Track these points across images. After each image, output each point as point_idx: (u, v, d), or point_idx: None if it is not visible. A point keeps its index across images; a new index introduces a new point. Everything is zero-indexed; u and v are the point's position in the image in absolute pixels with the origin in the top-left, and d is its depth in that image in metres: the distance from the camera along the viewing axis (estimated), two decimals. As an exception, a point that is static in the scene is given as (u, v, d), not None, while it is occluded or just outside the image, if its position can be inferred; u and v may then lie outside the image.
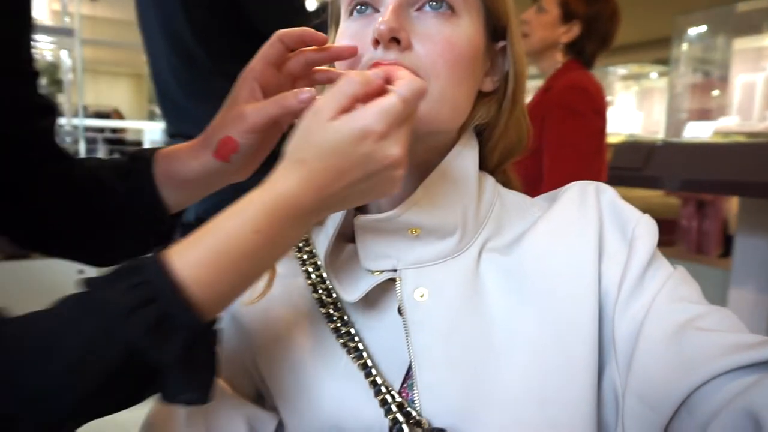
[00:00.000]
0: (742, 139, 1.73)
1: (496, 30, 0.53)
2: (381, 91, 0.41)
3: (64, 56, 3.79)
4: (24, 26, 0.57)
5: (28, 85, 0.58)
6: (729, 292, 1.75)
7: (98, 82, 10.51)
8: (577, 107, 1.49)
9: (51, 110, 0.61)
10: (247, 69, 0.53)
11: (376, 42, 0.47)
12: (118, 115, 7.93)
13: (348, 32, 0.51)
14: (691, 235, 3.10)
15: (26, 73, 0.58)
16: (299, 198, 0.39)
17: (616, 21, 1.58)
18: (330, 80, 0.52)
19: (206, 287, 0.38)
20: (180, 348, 0.36)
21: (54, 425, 0.35)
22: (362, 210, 0.55)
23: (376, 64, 0.47)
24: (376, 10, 0.50)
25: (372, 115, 0.39)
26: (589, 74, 1.58)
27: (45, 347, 0.34)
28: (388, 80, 0.42)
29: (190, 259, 0.38)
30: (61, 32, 3.27)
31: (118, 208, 0.60)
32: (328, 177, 0.39)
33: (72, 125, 3.65)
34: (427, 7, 0.49)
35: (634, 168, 1.83)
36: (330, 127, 0.39)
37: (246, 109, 0.51)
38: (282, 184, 0.40)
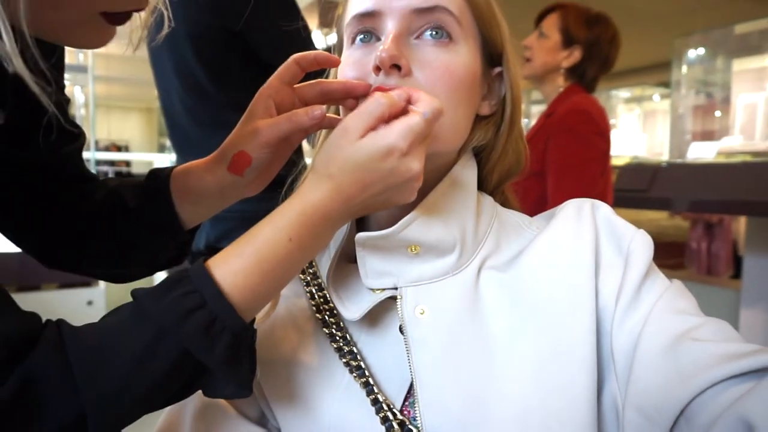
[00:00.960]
0: (746, 158, 1.74)
1: (492, 56, 0.56)
2: (403, 111, 0.45)
3: (77, 92, 3.89)
4: (63, 53, 0.61)
5: (60, 112, 0.61)
6: (740, 312, 1.74)
7: (110, 116, 10.71)
8: (580, 130, 1.50)
9: (78, 135, 0.65)
10: (263, 87, 0.55)
11: (378, 69, 0.49)
12: (115, 147, 8.16)
13: (351, 59, 0.53)
14: (700, 258, 3.08)
15: (59, 100, 0.62)
16: (328, 208, 0.44)
17: (617, 44, 1.60)
18: (332, 125, 0.55)
19: (247, 292, 0.42)
20: (226, 347, 0.41)
21: (117, 420, 0.40)
22: (362, 227, 0.57)
23: (378, 88, 0.49)
24: (378, 39, 0.52)
25: (397, 133, 0.43)
26: (591, 98, 1.60)
27: (109, 354, 0.39)
28: (409, 101, 0.45)
29: (233, 267, 0.42)
30: (75, 69, 3.37)
31: (136, 226, 0.62)
32: (355, 189, 0.44)
33: (84, 159, 3.73)
34: (426, 36, 0.51)
35: (640, 189, 1.84)
36: (359, 144, 0.43)
37: (260, 125, 0.53)
38: (313, 196, 0.44)
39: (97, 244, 0.63)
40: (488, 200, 0.58)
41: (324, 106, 0.51)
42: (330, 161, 0.44)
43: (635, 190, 1.87)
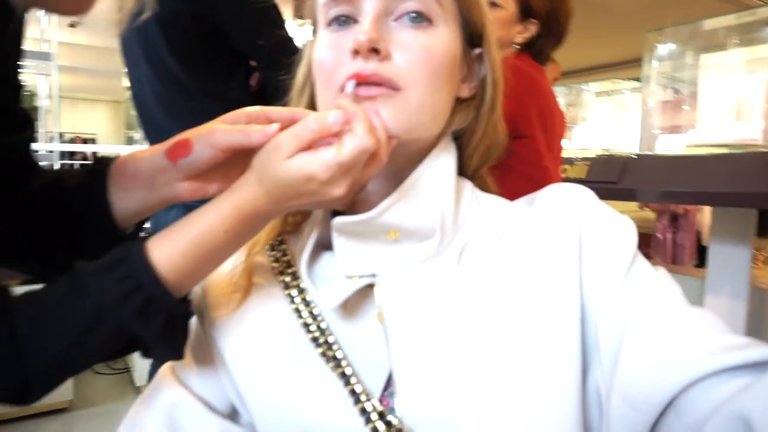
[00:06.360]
0: (713, 150, 1.78)
1: (472, 37, 0.55)
2: (338, 134, 0.45)
3: (41, 82, 3.76)
4: (19, 39, 0.58)
5: (14, 96, 0.58)
6: (705, 298, 1.79)
7: (75, 109, 10.40)
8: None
9: (30, 123, 0.62)
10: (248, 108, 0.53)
11: (356, 52, 0.48)
12: (81, 141, 8.02)
13: (326, 42, 0.52)
14: (666, 248, 3.16)
15: (15, 84, 0.58)
16: (259, 207, 0.47)
17: (570, 18, 1.47)
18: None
19: (181, 274, 0.46)
20: (161, 325, 0.45)
21: (57, 380, 0.44)
22: (339, 212, 0.55)
23: (355, 76, 0.48)
24: (355, 21, 0.51)
25: (318, 163, 0.44)
26: (536, 64, 1.45)
27: (52, 326, 0.42)
28: (348, 122, 0.45)
29: (170, 251, 0.46)
30: (38, 57, 3.26)
31: (66, 207, 0.59)
32: (281, 197, 0.46)
33: (47, 150, 3.63)
34: (405, 18, 0.50)
35: (610, 181, 1.87)
36: (284, 164, 0.45)
37: (218, 126, 0.52)
38: (246, 194, 0.47)
39: (27, 230, 0.59)
40: (468, 185, 0.58)
41: (278, 125, 0.48)
42: (262, 169, 0.46)
43: (605, 182, 1.89)
